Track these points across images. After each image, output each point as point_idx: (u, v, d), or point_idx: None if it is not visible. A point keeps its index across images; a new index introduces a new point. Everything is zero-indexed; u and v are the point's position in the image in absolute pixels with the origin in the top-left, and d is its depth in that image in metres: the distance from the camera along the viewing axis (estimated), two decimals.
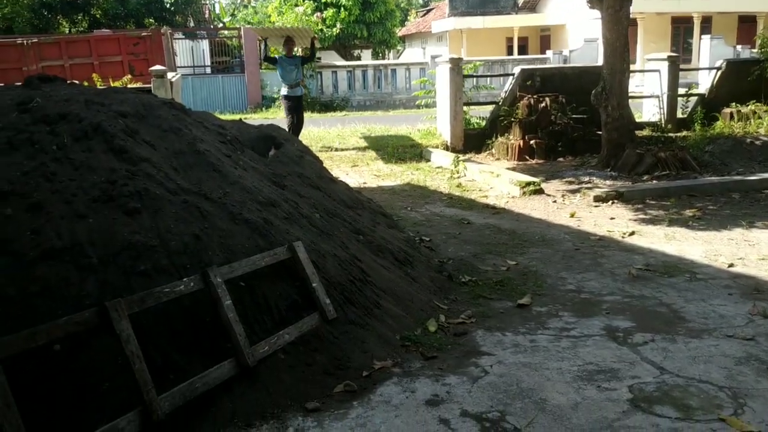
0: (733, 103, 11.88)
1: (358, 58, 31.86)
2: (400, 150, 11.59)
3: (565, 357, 3.67)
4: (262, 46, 11.30)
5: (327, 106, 20.99)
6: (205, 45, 27.55)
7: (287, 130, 9.52)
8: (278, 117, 18.31)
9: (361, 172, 10.10)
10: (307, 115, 19.04)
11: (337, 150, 12.13)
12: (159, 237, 3.59)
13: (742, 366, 3.48)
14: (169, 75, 11.85)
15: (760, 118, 11.41)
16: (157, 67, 11.31)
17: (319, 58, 22.14)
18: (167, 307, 3.25)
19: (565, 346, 3.82)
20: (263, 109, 20.81)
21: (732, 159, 9.57)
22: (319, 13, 24.40)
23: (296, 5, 23.98)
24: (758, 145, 10.12)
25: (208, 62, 27.18)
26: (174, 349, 3.23)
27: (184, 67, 24.02)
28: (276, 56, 11.26)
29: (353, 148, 12.30)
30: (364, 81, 22.06)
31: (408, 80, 22.02)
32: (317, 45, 13.32)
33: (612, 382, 3.37)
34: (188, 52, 26.84)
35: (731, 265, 5.20)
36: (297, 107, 10.94)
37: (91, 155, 3.91)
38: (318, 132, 14.03)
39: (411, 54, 38.03)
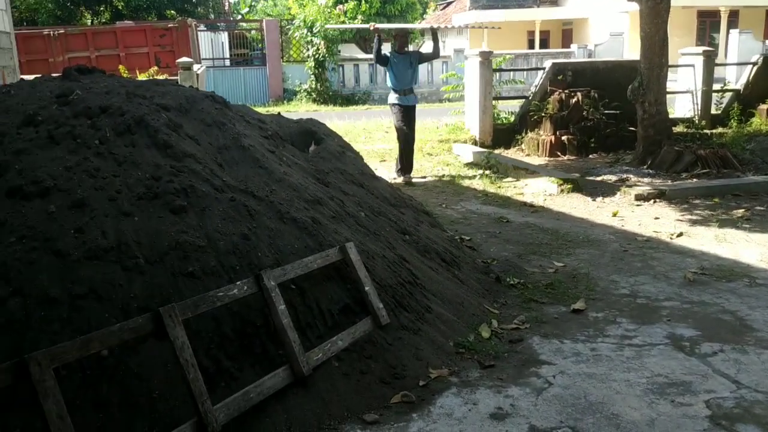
0: None
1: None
2: (429, 145, 11.38)
3: (632, 368, 3.48)
4: (375, 42, 9.17)
5: (349, 99, 20.81)
6: (224, 37, 27.46)
7: (399, 145, 9.04)
8: (300, 110, 18.17)
9: (390, 168, 9.90)
10: (330, 109, 18.94)
11: (364, 144, 11.93)
12: (207, 237, 3.44)
13: None
14: (195, 67, 11.73)
15: None
16: (185, 59, 11.20)
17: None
18: (218, 310, 3.10)
19: (630, 356, 3.62)
20: (285, 101, 20.66)
21: None
22: (341, 6, 24.14)
23: None
24: None
25: (227, 54, 27.08)
26: (225, 356, 3.07)
27: (205, 59, 23.96)
28: (387, 54, 9.07)
29: (380, 143, 12.11)
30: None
31: (431, 73, 21.79)
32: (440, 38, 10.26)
33: (686, 396, 3.17)
34: (208, 44, 26.77)
35: None
36: (410, 119, 8.95)
37: (135, 150, 3.77)
38: (344, 125, 13.83)
39: (431, 47, 37.68)
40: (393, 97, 8.95)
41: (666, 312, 4.24)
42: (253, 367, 3.10)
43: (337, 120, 14.37)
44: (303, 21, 20.53)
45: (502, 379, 3.40)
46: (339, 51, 21.72)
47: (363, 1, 26.86)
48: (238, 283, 3.11)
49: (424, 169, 9.75)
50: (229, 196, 3.69)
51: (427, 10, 43.25)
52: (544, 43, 31.47)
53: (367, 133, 13.16)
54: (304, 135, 5.25)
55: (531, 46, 30.73)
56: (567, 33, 32.48)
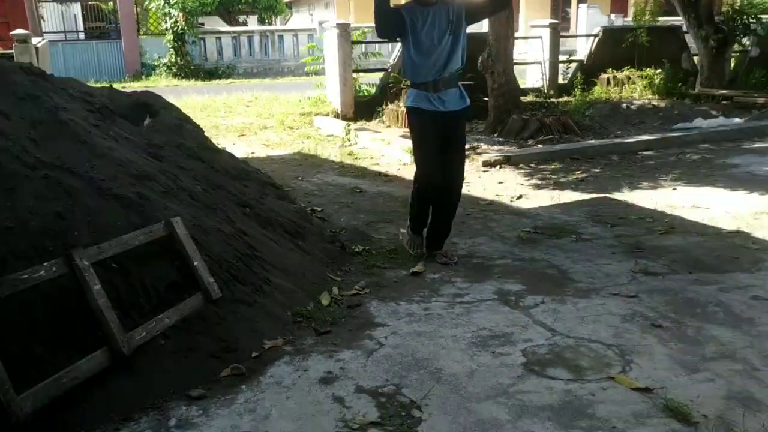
0: (610, 69, 12.41)
1: (244, 24, 30.77)
2: (290, 118, 11.28)
3: (460, 324, 3.64)
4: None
5: (212, 73, 20.15)
6: (77, 9, 25.67)
7: (417, 204, 4.81)
8: (159, 85, 17.37)
9: (249, 142, 9.73)
10: (191, 83, 18.23)
11: (223, 118, 11.62)
12: (16, 218, 3.20)
13: (628, 323, 3.58)
14: (34, 40, 10.88)
15: (634, 83, 11.99)
16: (19, 30, 10.33)
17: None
18: (26, 294, 2.91)
19: (459, 313, 3.79)
20: (143, 77, 19.68)
21: (610, 122, 9.99)
22: None
23: None
24: (633, 109, 10.62)
25: (81, 28, 25.36)
26: (36, 342, 2.90)
27: (54, 32, 22.28)
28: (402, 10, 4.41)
29: (240, 117, 11.84)
30: (251, 48, 21.35)
31: (296, 47, 21.52)
32: None
33: (506, 346, 3.36)
34: (58, 17, 24.90)
35: (612, 225, 5.39)
36: (450, 143, 4.51)
37: None
38: (202, 100, 13.40)
39: (299, 20, 37.13)
40: (415, 96, 4.47)
41: (498, 270, 4.47)
42: (68, 351, 2.95)
43: (196, 95, 13.90)
44: None
45: (336, 344, 3.45)
46: (201, 24, 20.93)
47: None
48: (45, 264, 2.93)
49: (284, 142, 9.65)
50: (43, 174, 3.46)
51: None
52: None
53: (228, 107, 12.82)
54: (138, 108, 5.01)
55: None
56: None
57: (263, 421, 2.77)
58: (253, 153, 8.90)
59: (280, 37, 21.73)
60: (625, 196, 6.31)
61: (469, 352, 3.31)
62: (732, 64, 13.01)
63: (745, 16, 12.27)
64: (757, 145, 8.76)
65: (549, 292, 4.05)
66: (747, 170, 7.29)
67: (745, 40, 12.91)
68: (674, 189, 6.53)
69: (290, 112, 11.83)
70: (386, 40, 5.79)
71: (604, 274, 4.32)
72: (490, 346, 3.38)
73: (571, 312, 3.76)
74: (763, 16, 12.83)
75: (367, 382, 3.06)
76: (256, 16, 31.08)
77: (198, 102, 13.20)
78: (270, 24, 34.13)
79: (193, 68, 19.88)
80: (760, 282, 4.12)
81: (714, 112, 10.53)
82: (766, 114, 10.39)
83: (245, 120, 11.49)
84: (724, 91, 11.59)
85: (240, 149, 8.81)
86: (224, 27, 24.14)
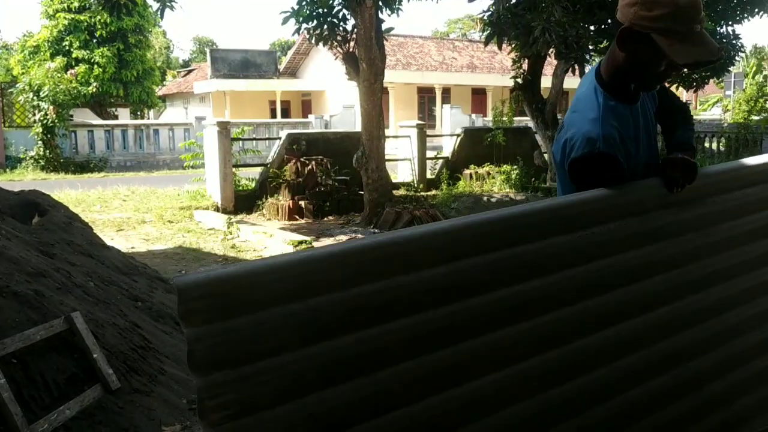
0: (472, 165, 13.66)
1: (115, 117, 30.46)
2: (169, 212, 11.37)
3: None
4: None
5: (83, 167, 19.72)
6: None
7: None
8: (26, 179, 16.80)
9: (128, 237, 9.73)
10: (61, 177, 17.78)
11: (99, 213, 11.51)
12: None
13: None
14: None
15: (493, 178, 13.25)
16: None
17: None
18: None
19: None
20: (8, 170, 18.92)
21: (473, 213, 10.95)
22: (72, 71, 23.05)
23: (44, 60, 22.44)
24: (493, 201, 11.74)
25: None
26: None
27: None
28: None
29: (117, 212, 11.77)
30: (124, 141, 21.20)
31: (172, 140, 21.62)
32: None
33: None
34: None
35: None
36: None
37: None
38: (76, 195, 13.17)
39: (173, 114, 37.26)
40: None
41: None
42: None
43: (69, 189, 13.64)
44: (29, 84, 19.18)
45: None
46: (71, 116, 20.61)
47: (96, 66, 25.92)
48: None
49: (164, 236, 9.74)
50: None
51: (167, 77, 42.84)
52: (285, 113, 32.96)
53: (103, 201, 12.69)
54: (26, 206, 5.12)
55: (273, 115, 31.99)
56: (306, 103, 34.47)
57: None
58: (133, 248, 8.92)
59: (156, 131, 21.79)
60: None
61: None
62: None
63: None
64: None
65: None
66: None
67: None
68: None
69: (169, 206, 11.94)
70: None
71: None
72: None
73: None
74: None
75: None
76: (128, 109, 30.87)
77: (71, 196, 12.95)
78: (143, 117, 34.00)
79: (62, 161, 19.40)
80: None
81: None
82: None
83: (122, 214, 11.44)
84: None
85: (119, 244, 8.82)
86: (95, 120, 23.82)
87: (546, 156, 14.28)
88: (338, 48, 10.36)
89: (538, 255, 1.79)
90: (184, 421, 3.74)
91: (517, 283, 1.75)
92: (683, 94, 24.78)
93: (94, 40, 26.38)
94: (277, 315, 1.49)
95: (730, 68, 18.52)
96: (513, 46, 10.13)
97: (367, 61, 9.97)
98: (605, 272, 1.89)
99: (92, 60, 25.82)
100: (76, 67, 25.14)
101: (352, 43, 10.32)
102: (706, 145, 16.49)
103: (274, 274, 1.49)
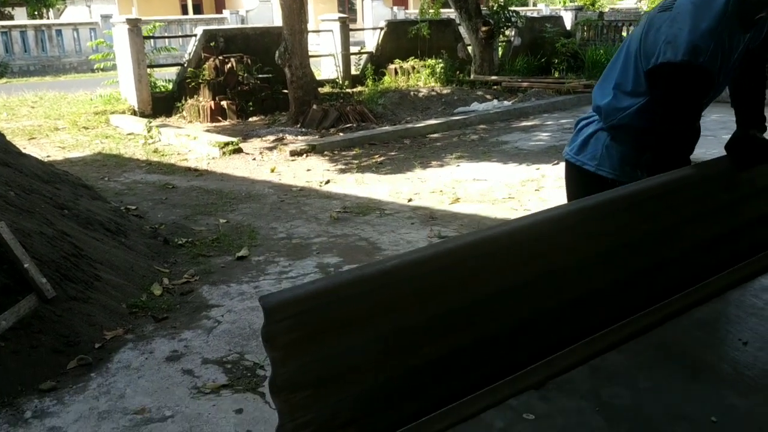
0: (397, 60, 13.44)
1: (10, 17, 28.04)
2: (84, 118, 10.80)
3: None
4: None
5: None
6: None
7: None
8: None
9: (41, 145, 9.23)
10: None
11: (6, 122, 10.81)
12: None
13: None
14: None
15: (418, 72, 13.12)
16: None
17: None
18: None
19: (287, 287, 4.22)
20: None
21: (400, 109, 10.93)
22: None
23: None
24: (420, 96, 11.70)
25: None
26: None
27: None
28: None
29: (26, 119, 11.09)
30: (24, 44, 19.66)
31: (78, 42, 20.22)
32: None
33: None
34: None
35: (410, 200, 6.13)
36: None
37: None
38: None
39: (74, 13, 34.51)
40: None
41: (316, 247, 4.97)
42: None
43: None
44: None
45: (176, 327, 3.73)
46: None
47: None
48: None
49: (81, 144, 9.30)
50: None
51: None
52: (198, 9, 31.16)
53: (9, 109, 11.89)
54: None
55: (185, 11, 30.21)
56: None
57: (120, 400, 3.01)
58: (48, 156, 8.49)
59: (59, 32, 20.26)
60: (418, 174, 7.13)
61: None
62: (500, 53, 14.72)
63: (507, 11, 13.94)
64: (522, 123, 10.18)
65: (362, 261, 4.62)
66: (515, 146, 8.53)
67: (509, 32, 14.67)
68: (458, 166, 7.49)
69: (82, 111, 11.31)
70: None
71: (406, 241, 5.00)
72: None
73: None
74: (520, 9, 14.65)
75: (211, 354, 3.40)
76: (24, 9, 28.41)
77: None
78: (41, 17, 31.43)
79: None
80: None
81: (488, 97, 11.95)
82: (528, 96, 12.00)
83: (32, 122, 10.79)
84: (495, 77, 13.15)
85: (33, 153, 8.37)
86: None
87: (469, 48, 14.21)
88: None
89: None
90: (126, 325, 3.74)
91: None
92: None
93: None
94: (362, 331, 1.45)
95: None
96: None
97: None
98: None
99: None
100: None
101: None
102: None
103: (358, 287, 1.45)
